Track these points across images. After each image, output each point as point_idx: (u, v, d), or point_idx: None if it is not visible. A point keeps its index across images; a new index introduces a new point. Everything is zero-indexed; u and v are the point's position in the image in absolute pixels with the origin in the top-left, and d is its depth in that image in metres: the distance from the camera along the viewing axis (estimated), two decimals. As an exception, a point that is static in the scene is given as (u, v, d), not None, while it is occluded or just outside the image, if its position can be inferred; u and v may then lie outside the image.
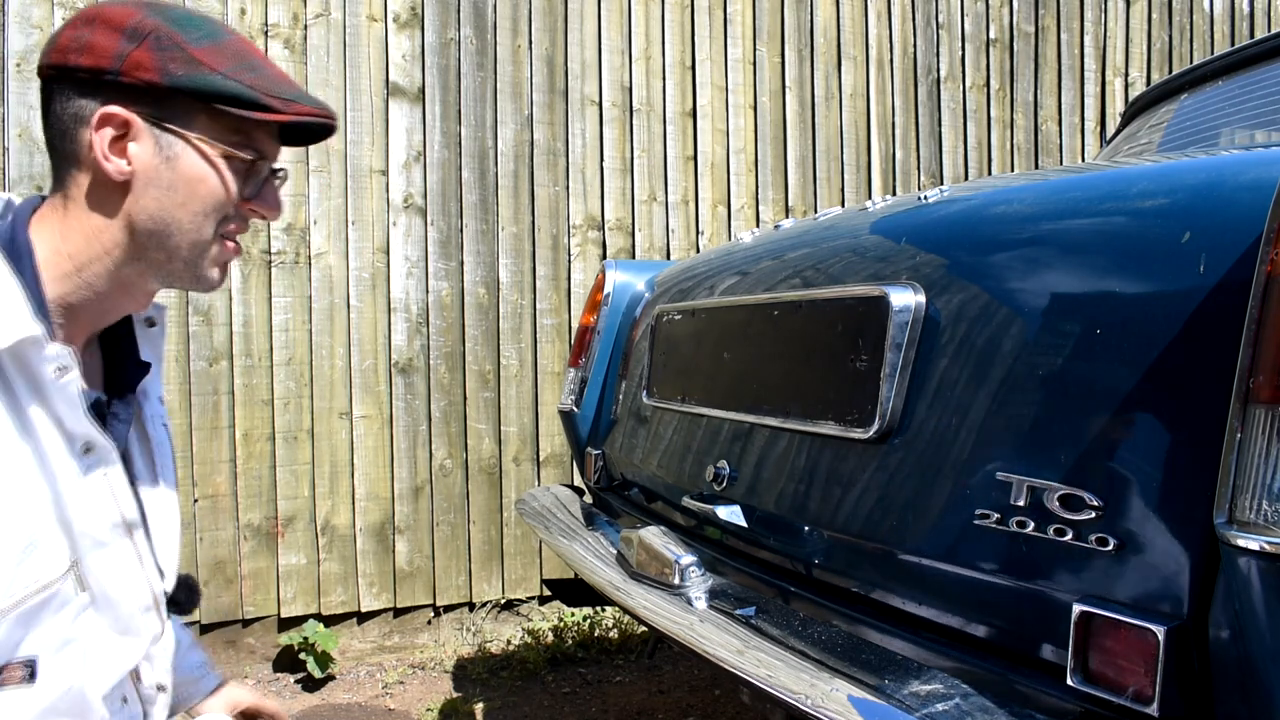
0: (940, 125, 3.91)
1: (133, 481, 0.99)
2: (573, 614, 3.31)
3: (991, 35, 4.00)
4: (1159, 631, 0.85)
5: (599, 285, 2.27)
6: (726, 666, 1.17)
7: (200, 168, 0.92)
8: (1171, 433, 0.89)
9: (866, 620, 1.24)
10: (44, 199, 0.95)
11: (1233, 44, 4.36)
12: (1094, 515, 0.93)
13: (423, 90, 3.14)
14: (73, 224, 0.92)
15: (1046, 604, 0.99)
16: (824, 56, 3.73)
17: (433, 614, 3.20)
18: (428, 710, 2.73)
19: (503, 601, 3.30)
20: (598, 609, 3.28)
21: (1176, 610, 0.87)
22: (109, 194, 0.91)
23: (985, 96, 3.98)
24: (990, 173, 3.98)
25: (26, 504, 0.84)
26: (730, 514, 1.51)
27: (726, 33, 3.58)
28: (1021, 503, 0.99)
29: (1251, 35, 4.41)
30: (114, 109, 0.88)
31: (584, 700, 2.80)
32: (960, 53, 3.95)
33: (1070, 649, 0.92)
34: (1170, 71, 4.24)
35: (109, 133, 0.89)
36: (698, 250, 3.54)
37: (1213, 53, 4.29)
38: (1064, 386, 1.00)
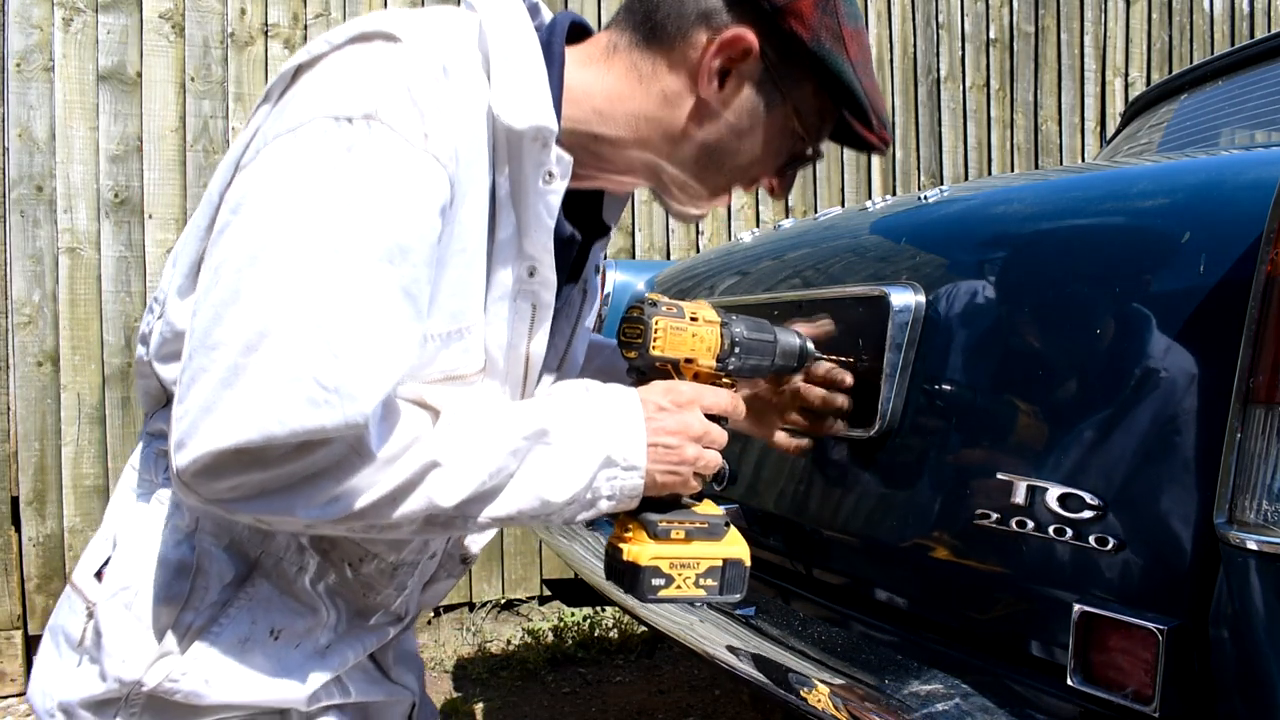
0: (940, 125, 3.91)
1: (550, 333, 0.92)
2: (573, 614, 3.31)
3: (991, 35, 4.00)
4: (1159, 631, 0.85)
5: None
6: (726, 666, 1.17)
7: (774, 131, 0.87)
8: (1171, 432, 0.89)
9: (866, 620, 1.24)
10: (577, 23, 0.89)
11: (1233, 44, 4.36)
12: (1094, 515, 0.93)
13: (423, 90, 3.14)
14: (619, 85, 0.85)
15: (1046, 604, 0.99)
16: (824, 56, 3.72)
17: (432, 614, 3.20)
18: (428, 710, 2.73)
19: (503, 601, 3.29)
20: (598, 609, 3.28)
21: (1176, 610, 0.87)
22: (676, 94, 0.85)
23: (985, 96, 3.98)
24: (990, 173, 3.98)
25: (472, 289, 0.80)
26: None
27: (726, 33, 3.58)
28: (1021, 502, 0.99)
29: (1251, 35, 4.41)
30: (748, 37, 0.82)
31: (584, 700, 2.80)
32: (960, 53, 3.95)
33: (1070, 649, 0.92)
34: (1170, 71, 4.24)
35: (726, 53, 0.82)
36: (698, 250, 3.54)
37: (1213, 53, 4.29)
38: (1064, 386, 1.00)
